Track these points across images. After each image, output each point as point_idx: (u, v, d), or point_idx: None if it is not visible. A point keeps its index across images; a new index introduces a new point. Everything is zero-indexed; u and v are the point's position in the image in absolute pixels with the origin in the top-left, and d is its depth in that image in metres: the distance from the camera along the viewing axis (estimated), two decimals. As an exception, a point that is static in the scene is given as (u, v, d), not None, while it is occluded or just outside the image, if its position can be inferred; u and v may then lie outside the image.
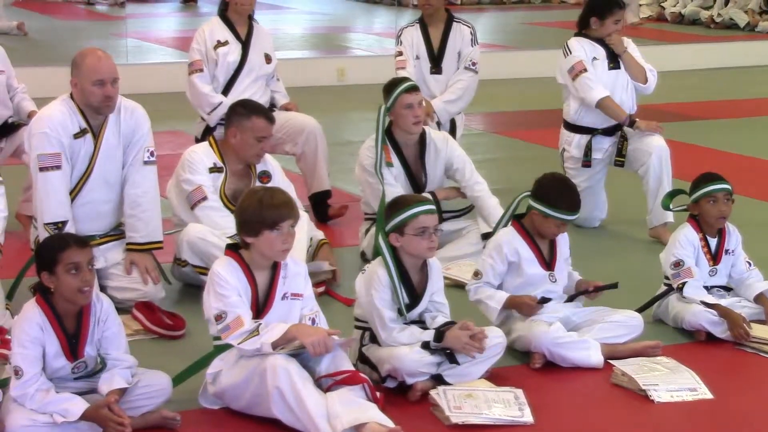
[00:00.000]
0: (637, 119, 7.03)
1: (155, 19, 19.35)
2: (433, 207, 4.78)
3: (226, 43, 7.21)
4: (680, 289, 5.39)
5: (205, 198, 5.82)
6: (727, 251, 5.53)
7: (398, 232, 4.68)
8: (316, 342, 4.27)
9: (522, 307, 5.06)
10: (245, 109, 5.97)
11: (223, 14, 7.30)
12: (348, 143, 9.23)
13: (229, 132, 5.94)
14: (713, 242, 5.52)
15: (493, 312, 5.07)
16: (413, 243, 4.68)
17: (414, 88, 6.40)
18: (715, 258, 5.51)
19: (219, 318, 4.36)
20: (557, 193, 5.08)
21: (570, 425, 4.44)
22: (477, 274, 5.16)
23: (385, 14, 20.30)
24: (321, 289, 5.75)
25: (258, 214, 4.39)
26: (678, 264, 5.42)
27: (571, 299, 5.25)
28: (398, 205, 4.78)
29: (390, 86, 6.43)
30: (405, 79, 6.57)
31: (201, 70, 7.16)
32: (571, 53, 7.10)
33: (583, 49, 7.10)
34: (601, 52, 7.10)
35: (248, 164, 5.95)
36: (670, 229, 6.23)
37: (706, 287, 5.45)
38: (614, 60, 7.12)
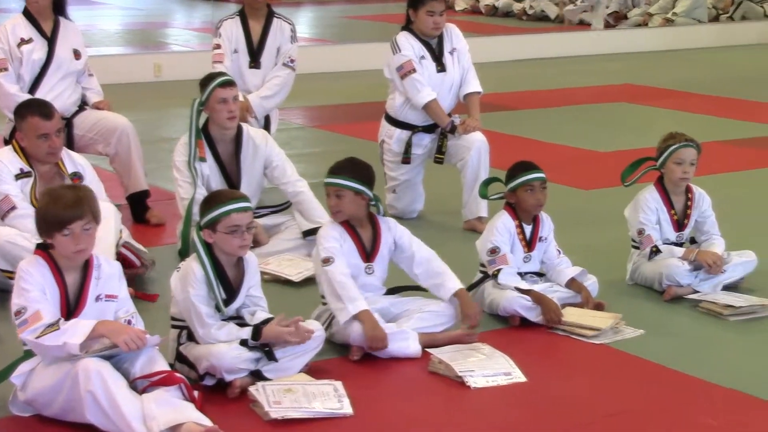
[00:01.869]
0: (458, 124, 7.11)
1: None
2: (247, 205, 4.72)
3: (30, 40, 7.02)
4: (495, 275, 5.51)
5: (14, 207, 5.65)
6: (541, 238, 5.68)
7: (211, 229, 4.65)
8: (128, 339, 4.20)
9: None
10: (23, 108, 5.84)
11: (27, 11, 7.11)
12: (166, 140, 9.11)
13: (18, 136, 5.81)
14: (528, 229, 5.65)
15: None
16: (225, 241, 4.65)
17: (229, 83, 6.35)
18: (529, 245, 5.65)
19: (18, 314, 4.23)
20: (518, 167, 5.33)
21: (389, 414, 4.48)
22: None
23: (204, 9, 20.11)
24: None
25: (45, 216, 4.30)
26: (494, 251, 5.54)
27: (390, 291, 5.31)
28: (212, 201, 4.74)
29: (205, 80, 6.38)
30: (221, 74, 6.51)
31: (6, 69, 6.96)
32: (400, 50, 7.12)
33: (412, 47, 7.12)
34: (426, 53, 7.13)
35: (57, 165, 5.82)
36: (485, 223, 6.36)
37: (520, 273, 5.58)
38: (440, 63, 7.18)
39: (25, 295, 4.25)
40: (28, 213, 5.60)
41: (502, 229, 5.59)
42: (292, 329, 4.60)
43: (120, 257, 5.61)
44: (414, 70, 7.07)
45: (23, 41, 7.01)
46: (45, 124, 5.70)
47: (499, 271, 5.50)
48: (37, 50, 7.02)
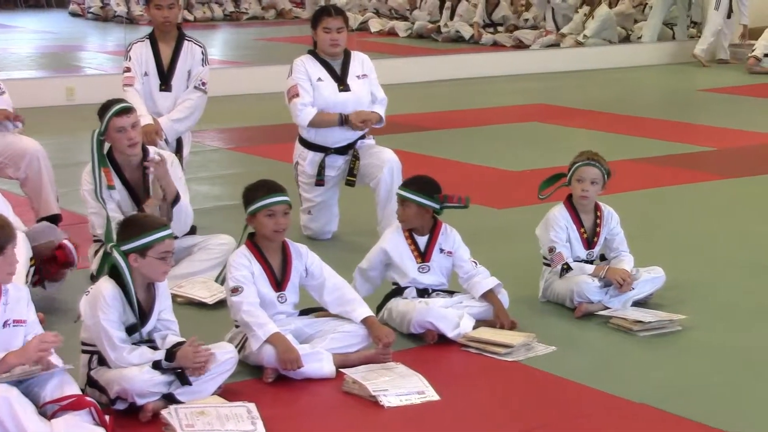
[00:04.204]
0: (348, 115, 7.08)
1: None
2: (173, 232, 4.76)
3: None
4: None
5: None
6: (442, 250, 5.72)
7: (139, 254, 4.62)
8: (36, 350, 4.19)
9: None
10: None
11: None
12: (78, 164, 8.95)
13: None
14: (422, 240, 5.71)
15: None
16: (154, 266, 4.64)
17: (126, 111, 6.20)
18: (423, 255, 5.70)
19: None
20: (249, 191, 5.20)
21: (303, 435, 4.49)
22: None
23: (117, 32, 19.98)
24: None
25: None
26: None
27: (304, 312, 5.32)
28: (140, 226, 4.70)
29: (102, 110, 6.24)
30: (116, 102, 6.33)
31: None
32: (291, 74, 7.13)
33: (306, 70, 7.12)
34: (325, 73, 7.14)
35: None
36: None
37: (424, 289, 5.66)
38: (343, 83, 7.18)
39: None
40: None
41: (380, 242, 5.75)
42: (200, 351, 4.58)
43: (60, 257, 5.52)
44: (297, 95, 7.06)
45: None
46: None
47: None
48: None
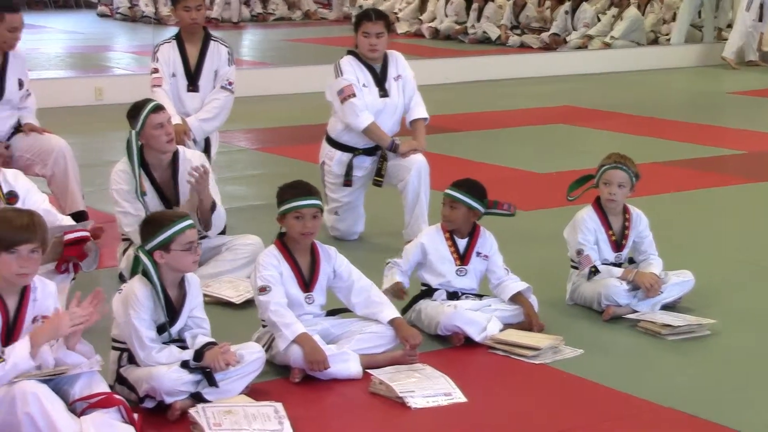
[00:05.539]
0: (399, 143, 7.15)
1: None
2: (192, 222, 4.77)
3: None
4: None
5: None
6: (478, 254, 5.71)
7: (164, 249, 4.64)
8: (68, 323, 4.23)
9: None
10: None
11: None
12: (106, 163, 9.04)
13: None
14: (462, 243, 5.69)
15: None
16: (181, 258, 4.66)
17: (160, 107, 6.28)
18: (462, 258, 5.68)
19: None
20: (284, 191, 5.18)
21: (329, 436, 4.50)
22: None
23: (144, 32, 20.06)
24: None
25: None
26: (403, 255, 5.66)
27: (331, 313, 5.32)
28: (160, 222, 4.73)
29: (135, 110, 6.27)
30: (148, 100, 6.39)
31: None
32: (342, 75, 7.13)
33: (354, 71, 7.14)
34: (370, 79, 7.16)
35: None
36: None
37: (454, 292, 5.64)
38: (383, 88, 7.20)
39: None
40: None
41: (416, 240, 5.75)
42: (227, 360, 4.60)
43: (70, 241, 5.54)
44: (353, 95, 7.08)
45: None
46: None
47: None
48: None
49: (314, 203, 5.14)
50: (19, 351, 4.17)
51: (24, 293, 4.37)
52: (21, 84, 7.19)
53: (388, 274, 5.63)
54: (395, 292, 5.53)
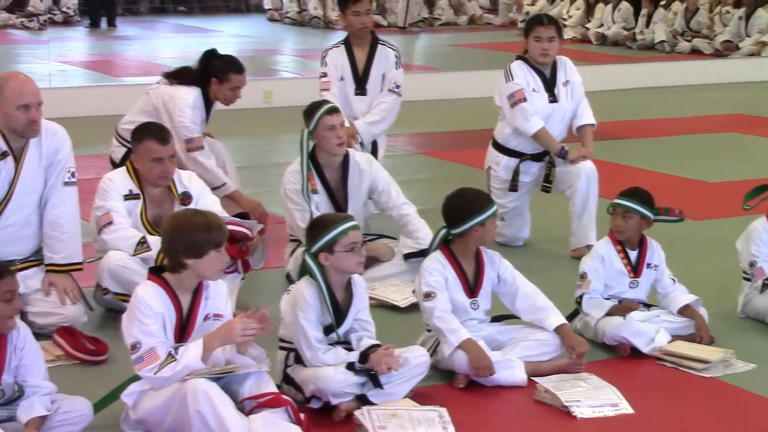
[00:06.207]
0: (568, 150, 7.09)
1: (77, 43, 19.19)
2: (357, 223, 4.81)
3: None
4: (578, 302, 5.52)
5: (110, 223, 5.72)
6: (648, 265, 5.62)
7: (328, 251, 4.69)
8: (240, 332, 4.32)
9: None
10: (140, 132, 5.92)
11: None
12: (275, 165, 9.20)
13: (133, 158, 5.91)
14: (633, 254, 5.60)
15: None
16: (344, 259, 4.70)
17: (335, 110, 6.40)
18: (635, 270, 5.60)
19: (134, 347, 4.31)
20: (469, 202, 5.13)
21: (494, 443, 4.48)
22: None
23: (313, 36, 20.31)
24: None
25: (206, 235, 4.37)
26: (582, 276, 5.55)
27: (495, 319, 5.30)
28: (323, 224, 4.79)
29: (310, 109, 6.41)
30: (324, 102, 6.55)
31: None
32: (513, 79, 7.10)
33: (525, 77, 7.12)
34: (540, 84, 7.12)
35: (168, 187, 5.90)
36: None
37: (620, 299, 5.56)
38: (552, 93, 7.16)
39: (141, 327, 4.31)
40: (124, 229, 5.70)
41: (594, 254, 5.61)
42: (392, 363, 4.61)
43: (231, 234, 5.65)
44: (524, 99, 7.05)
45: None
46: (160, 149, 5.79)
47: (582, 297, 5.50)
48: None
49: (491, 212, 5.14)
50: (192, 354, 4.27)
51: (197, 292, 4.47)
52: None
53: (592, 305, 5.50)
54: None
